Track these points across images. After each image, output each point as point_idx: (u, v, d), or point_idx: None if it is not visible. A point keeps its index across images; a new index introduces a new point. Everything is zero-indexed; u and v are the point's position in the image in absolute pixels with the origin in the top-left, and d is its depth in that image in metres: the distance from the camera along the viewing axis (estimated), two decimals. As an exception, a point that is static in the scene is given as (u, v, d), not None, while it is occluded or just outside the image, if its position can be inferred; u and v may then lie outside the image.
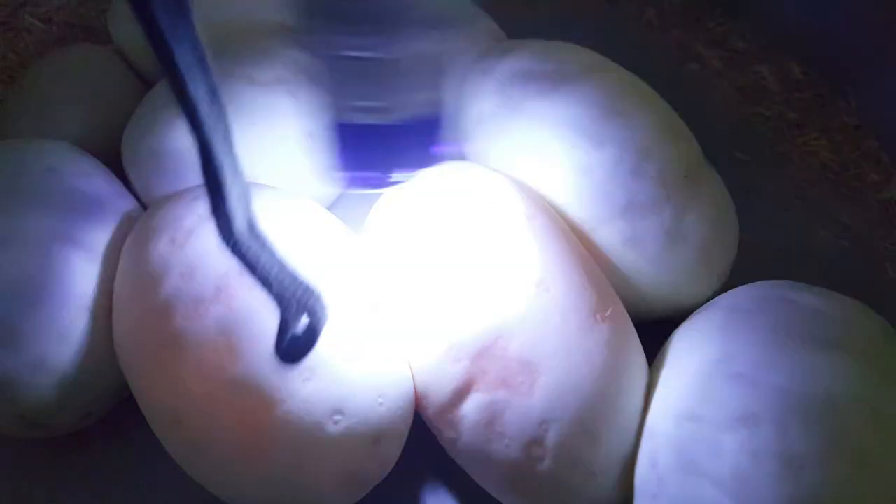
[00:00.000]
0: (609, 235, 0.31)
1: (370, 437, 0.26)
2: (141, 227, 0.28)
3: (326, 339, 0.23)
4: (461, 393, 0.26)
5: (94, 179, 0.32)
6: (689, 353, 0.27)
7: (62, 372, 0.28)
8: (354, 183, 0.25)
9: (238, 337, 0.25)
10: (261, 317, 0.25)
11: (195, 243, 0.27)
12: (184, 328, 0.25)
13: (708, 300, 0.30)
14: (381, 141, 0.24)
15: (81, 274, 0.29)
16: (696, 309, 0.30)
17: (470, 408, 0.26)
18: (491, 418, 0.25)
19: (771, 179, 0.42)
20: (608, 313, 0.27)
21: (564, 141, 0.31)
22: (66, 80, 0.39)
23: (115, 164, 0.35)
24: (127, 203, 0.32)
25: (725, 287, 0.31)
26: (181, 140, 0.32)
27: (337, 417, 0.25)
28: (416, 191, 0.30)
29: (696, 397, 0.25)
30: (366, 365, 0.26)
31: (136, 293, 0.27)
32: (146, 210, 0.31)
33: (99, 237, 0.29)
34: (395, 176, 0.25)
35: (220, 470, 0.25)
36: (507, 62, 0.34)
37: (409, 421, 0.27)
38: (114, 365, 0.29)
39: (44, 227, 0.29)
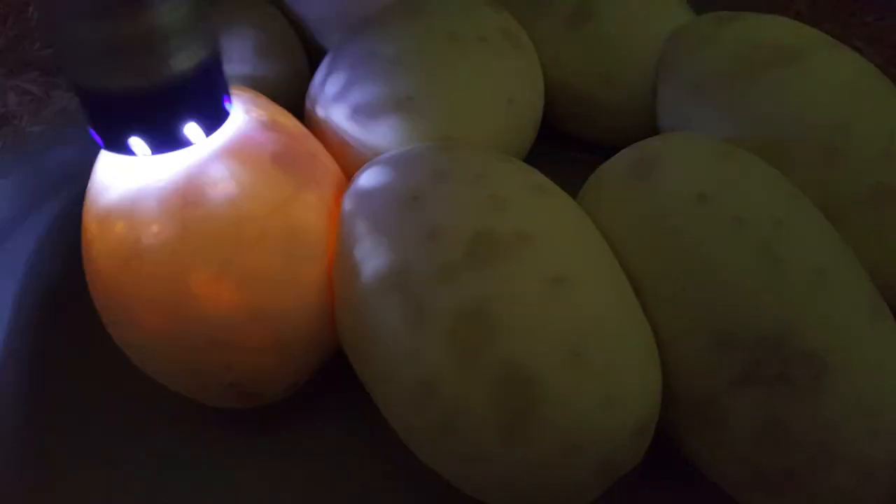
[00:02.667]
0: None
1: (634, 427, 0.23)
2: (366, 190, 0.25)
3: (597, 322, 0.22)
4: (728, 388, 0.23)
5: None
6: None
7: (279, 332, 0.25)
8: None
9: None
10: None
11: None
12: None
13: None
14: None
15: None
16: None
17: (738, 406, 0.23)
18: (767, 420, 0.23)
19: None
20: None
21: (811, 116, 0.29)
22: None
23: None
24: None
25: None
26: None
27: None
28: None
29: None
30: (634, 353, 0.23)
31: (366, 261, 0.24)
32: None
33: (325, 191, 0.26)
34: None
35: (472, 450, 0.22)
36: (732, 31, 0.32)
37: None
38: (326, 332, 0.26)
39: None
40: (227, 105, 0.25)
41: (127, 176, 0.24)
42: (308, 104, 0.32)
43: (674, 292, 0.24)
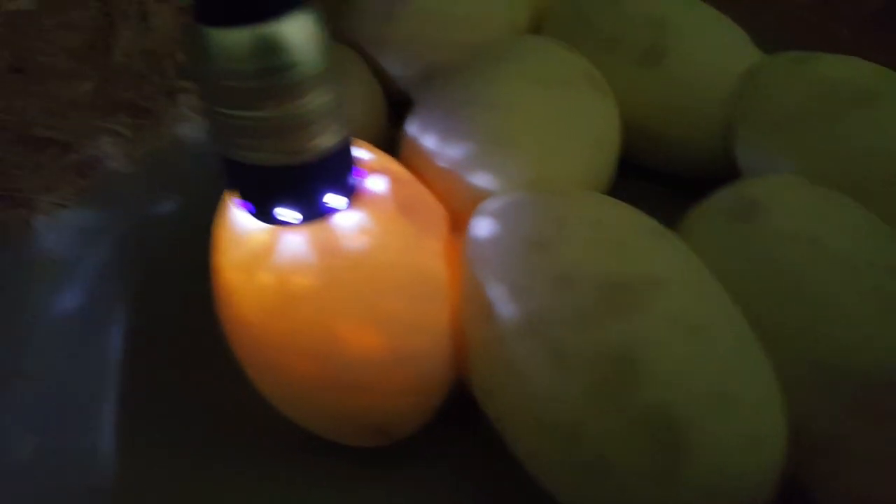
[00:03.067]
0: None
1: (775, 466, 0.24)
2: (487, 238, 0.27)
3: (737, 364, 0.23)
4: (845, 422, 0.25)
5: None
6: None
7: (416, 373, 0.27)
8: None
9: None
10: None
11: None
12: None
13: None
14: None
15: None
16: None
17: (856, 440, 0.25)
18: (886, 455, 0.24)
19: None
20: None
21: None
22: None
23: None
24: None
25: None
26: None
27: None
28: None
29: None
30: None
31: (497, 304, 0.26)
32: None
33: (441, 236, 0.29)
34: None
35: (623, 493, 0.24)
36: (810, 70, 0.33)
37: None
38: (454, 373, 0.27)
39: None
40: (355, 170, 0.27)
41: (268, 228, 0.26)
42: (403, 150, 0.34)
43: (786, 332, 0.26)
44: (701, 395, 0.23)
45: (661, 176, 0.39)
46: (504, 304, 0.26)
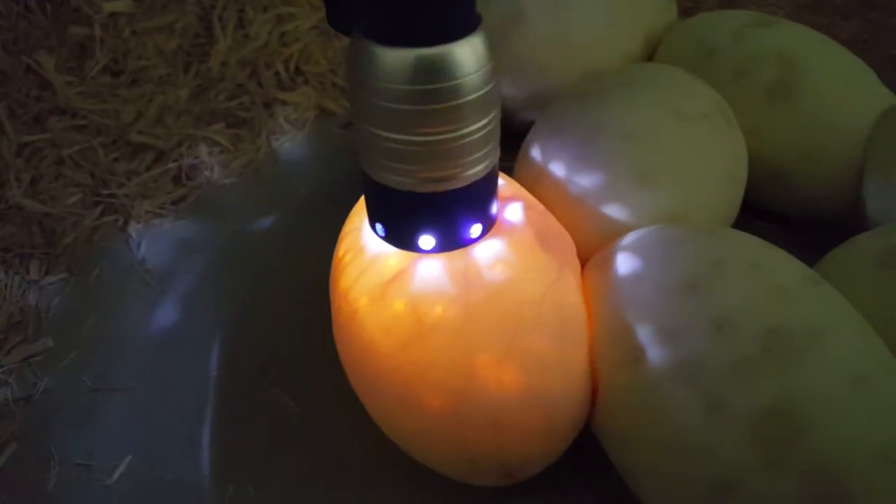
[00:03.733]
0: None
1: None
2: (630, 275, 0.26)
3: None
4: None
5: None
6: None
7: (551, 415, 0.25)
8: None
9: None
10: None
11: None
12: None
13: None
14: None
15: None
16: None
17: None
18: None
19: None
20: None
21: None
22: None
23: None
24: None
25: None
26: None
27: None
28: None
29: None
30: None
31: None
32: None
33: (577, 270, 0.27)
34: None
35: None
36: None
37: None
38: (585, 414, 0.26)
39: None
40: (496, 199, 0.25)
41: (404, 254, 0.25)
42: (521, 176, 0.33)
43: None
44: (868, 454, 0.21)
45: (772, 213, 0.37)
46: (654, 347, 0.24)
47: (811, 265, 0.26)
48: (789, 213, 0.37)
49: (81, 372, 0.31)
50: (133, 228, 0.36)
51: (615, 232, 0.29)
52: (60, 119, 0.39)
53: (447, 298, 0.24)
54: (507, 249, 0.25)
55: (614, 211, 0.30)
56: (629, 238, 0.28)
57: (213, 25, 0.43)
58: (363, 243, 0.26)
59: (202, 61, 0.43)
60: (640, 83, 0.33)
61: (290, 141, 0.41)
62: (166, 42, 0.43)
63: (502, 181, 0.28)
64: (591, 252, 0.29)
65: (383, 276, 0.25)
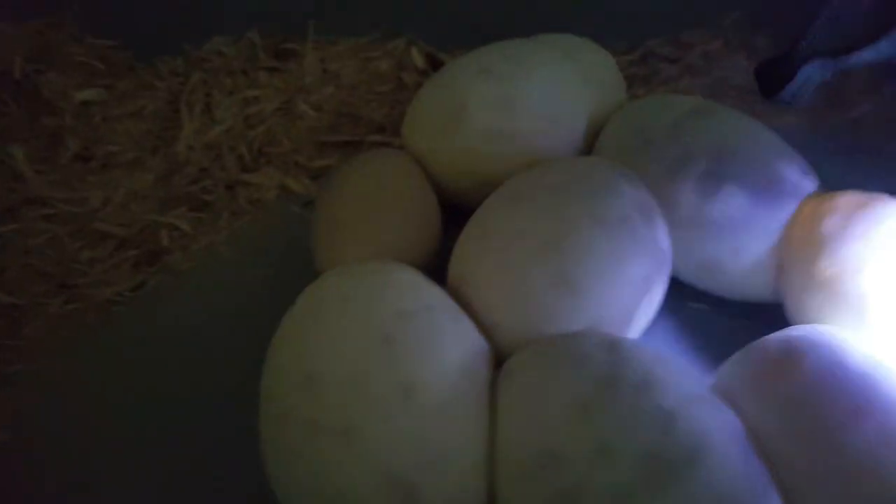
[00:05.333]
0: None
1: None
2: (524, 386, 0.27)
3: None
4: None
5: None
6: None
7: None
8: None
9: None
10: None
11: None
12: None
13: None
14: None
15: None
16: None
17: None
18: None
19: None
20: None
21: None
22: (375, 189, 0.38)
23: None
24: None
25: None
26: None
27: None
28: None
29: None
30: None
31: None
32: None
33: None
34: None
35: None
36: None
37: None
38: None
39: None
40: None
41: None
42: (453, 277, 0.34)
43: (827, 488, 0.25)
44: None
45: (710, 295, 0.38)
46: (541, 469, 0.26)
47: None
48: (727, 296, 0.38)
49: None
50: (92, 318, 0.38)
51: (531, 338, 0.31)
52: (31, 209, 0.42)
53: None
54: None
55: (531, 318, 0.31)
56: (531, 349, 0.29)
57: (181, 110, 0.45)
58: None
59: (169, 145, 0.45)
60: (564, 186, 0.34)
61: (251, 222, 0.43)
62: (136, 127, 0.45)
63: None
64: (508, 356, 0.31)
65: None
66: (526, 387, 0.27)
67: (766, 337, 0.30)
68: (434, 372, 0.27)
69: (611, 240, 0.33)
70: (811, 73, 0.28)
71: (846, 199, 0.33)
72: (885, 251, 0.30)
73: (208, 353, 0.37)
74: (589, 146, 0.42)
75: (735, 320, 0.35)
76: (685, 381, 0.27)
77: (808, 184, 0.36)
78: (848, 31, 0.32)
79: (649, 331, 0.35)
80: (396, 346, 0.28)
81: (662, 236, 0.34)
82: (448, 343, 0.28)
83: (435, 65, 0.51)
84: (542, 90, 0.41)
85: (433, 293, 0.31)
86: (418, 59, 0.53)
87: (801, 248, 0.33)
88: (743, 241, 0.36)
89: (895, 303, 0.30)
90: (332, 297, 0.29)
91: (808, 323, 0.32)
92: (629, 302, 0.32)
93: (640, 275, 0.33)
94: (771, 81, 0.28)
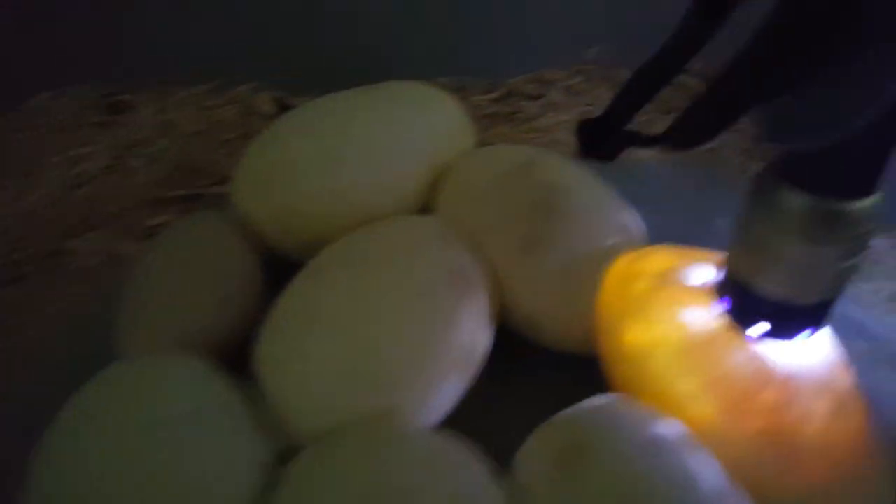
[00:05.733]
0: None
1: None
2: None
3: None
4: None
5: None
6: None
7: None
8: None
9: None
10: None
11: None
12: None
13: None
14: None
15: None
16: None
17: None
18: None
19: None
20: None
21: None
22: (186, 262, 0.36)
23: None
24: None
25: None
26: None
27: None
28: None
29: None
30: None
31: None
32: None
33: None
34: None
35: None
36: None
37: None
38: None
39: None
40: None
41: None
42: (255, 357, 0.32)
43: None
44: None
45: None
46: None
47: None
48: (554, 349, 0.37)
49: None
50: None
51: (322, 431, 0.29)
52: None
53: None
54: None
55: (322, 409, 0.29)
56: (316, 446, 0.27)
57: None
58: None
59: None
60: (372, 254, 0.33)
61: (71, 295, 0.40)
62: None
63: None
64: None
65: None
66: (308, 486, 0.25)
67: (557, 416, 0.29)
68: (199, 481, 0.25)
69: (414, 316, 0.31)
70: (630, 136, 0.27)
71: (654, 262, 0.32)
72: (680, 330, 0.29)
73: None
74: (428, 200, 0.40)
75: (567, 372, 0.34)
76: (465, 477, 0.25)
77: (629, 238, 0.35)
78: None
79: (474, 395, 0.33)
80: (162, 454, 0.25)
81: (477, 304, 0.33)
82: (215, 448, 0.26)
83: (286, 110, 0.49)
84: (371, 145, 0.39)
85: (212, 391, 0.28)
86: (266, 105, 0.51)
87: (609, 311, 0.32)
88: (561, 298, 0.34)
89: (689, 379, 0.28)
90: (94, 405, 0.27)
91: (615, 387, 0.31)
92: (432, 383, 0.31)
93: (446, 352, 0.31)
94: (591, 141, 0.27)
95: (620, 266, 0.33)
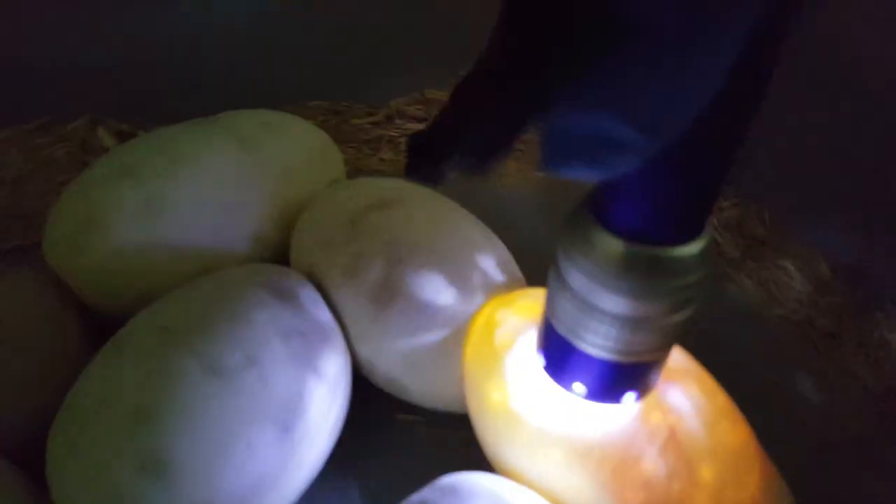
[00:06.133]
0: None
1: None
2: None
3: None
4: None
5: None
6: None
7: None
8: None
9: None
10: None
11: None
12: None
13: None
14: None
15: None
16: None
17: None
18: None
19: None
20: None
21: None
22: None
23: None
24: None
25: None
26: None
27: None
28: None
29: None
30: None
31: None
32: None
33: None
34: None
35: None
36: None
37: None
38: None
39: None
40: None
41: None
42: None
43: None
44: None
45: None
46: None
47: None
48: (428, 407, 0.33)
49: None
50: None
51: None
52: None
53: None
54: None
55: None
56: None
57: None
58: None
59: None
60: (177, 329, 0.27)
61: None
62: None
63: None
64: None
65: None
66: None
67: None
68: None
69: (223, 398, 0.26)
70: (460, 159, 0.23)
71: (520, 307, 0.29)
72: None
73: None
74: (280, 243, 0.36)
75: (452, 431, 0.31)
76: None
77: (492, 285, 0.32)
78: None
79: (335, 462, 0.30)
80: None
81: (312, 378, 0.28)
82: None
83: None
84: (199, 188, 0.34)
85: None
86: (107, 140, 0.45)
87: (472, 366, 0.29)
88: (422, 355, 0.31)
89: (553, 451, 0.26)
90: None
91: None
92: (249, 477, 0.25)
93: (265, 441, 0.26)
94: (418, 160, 0.22)
95: (484, 314, 0.30)
